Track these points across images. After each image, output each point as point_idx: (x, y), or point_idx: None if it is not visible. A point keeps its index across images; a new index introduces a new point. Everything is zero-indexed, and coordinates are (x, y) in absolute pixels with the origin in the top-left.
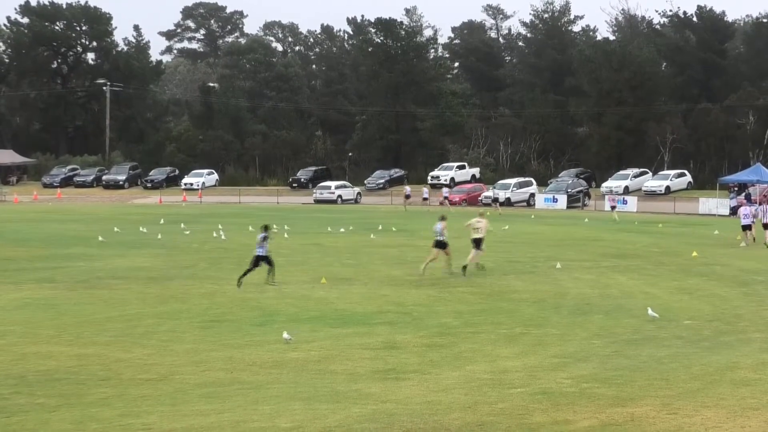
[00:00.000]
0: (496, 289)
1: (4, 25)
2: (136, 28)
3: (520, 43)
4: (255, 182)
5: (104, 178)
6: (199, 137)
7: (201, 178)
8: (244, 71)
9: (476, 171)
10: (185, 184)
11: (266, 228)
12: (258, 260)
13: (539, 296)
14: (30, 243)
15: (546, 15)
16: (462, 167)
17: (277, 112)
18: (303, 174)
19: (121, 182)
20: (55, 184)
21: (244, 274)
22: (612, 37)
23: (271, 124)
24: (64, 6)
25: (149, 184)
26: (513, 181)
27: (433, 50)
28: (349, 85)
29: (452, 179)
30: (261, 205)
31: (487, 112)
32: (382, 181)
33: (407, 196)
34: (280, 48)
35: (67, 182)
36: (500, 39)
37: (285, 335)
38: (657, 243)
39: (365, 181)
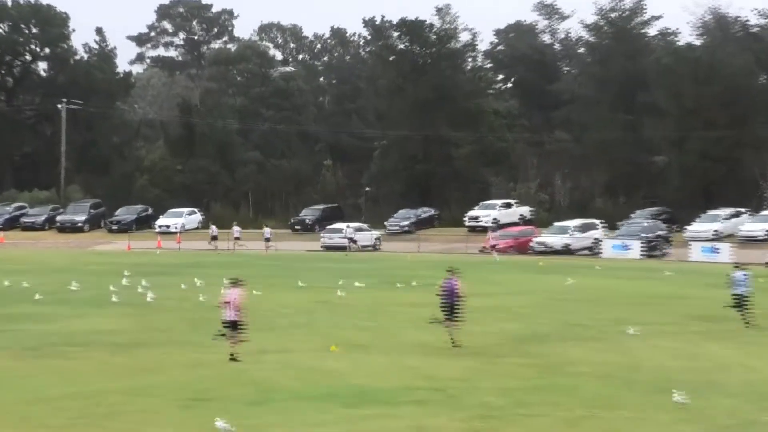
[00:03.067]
0: (552, 359)
1: None
2: (99, 31)
3: (581, 50)
4: (248, 223)
5: (58, 218)
6: (178, 167)
7: (180, 218)
8: (234, 85)
9: (526, 210)
10: (160, 227)
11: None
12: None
13: (606, 369)
14: None
15: (614, 15)
16: (508, 205)
17: (275, 135)
18: (308, 213)
19: (79, 224)
20: None
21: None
22: (697, 43)
23: (267, 150)
24: (9, 4)
25: (115, 227)
26: (573, 223)
27: (471, 59)
28: (366, 103)
29: (495, 221)
30: (255, 252)
31: (539, 136)
32: (407, 222)
33: None
34: (279, 56)
35: (12, 224)
36: (556, 45)
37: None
38: (758, 303)
39: (386, 223)
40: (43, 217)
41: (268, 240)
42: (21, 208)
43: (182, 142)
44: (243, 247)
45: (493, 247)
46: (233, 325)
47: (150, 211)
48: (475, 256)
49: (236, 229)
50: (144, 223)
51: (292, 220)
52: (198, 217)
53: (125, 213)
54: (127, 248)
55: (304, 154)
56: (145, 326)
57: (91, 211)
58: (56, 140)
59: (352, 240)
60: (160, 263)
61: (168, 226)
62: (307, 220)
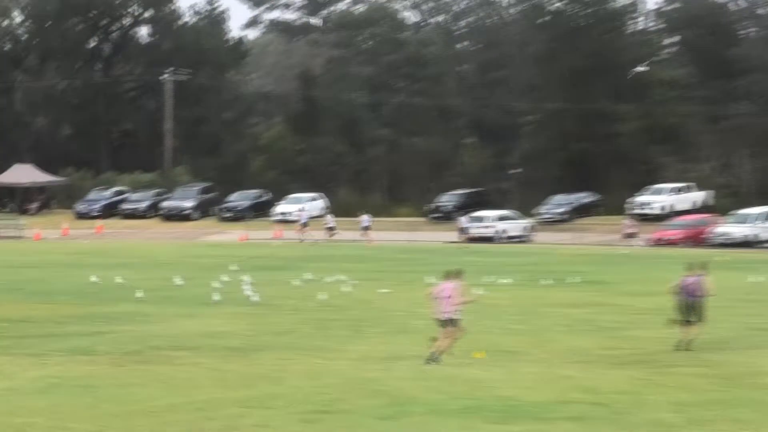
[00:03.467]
0: (734, 369)
1: None
2: None
3: (763, 11)
4: (380, 210)
5: (164, 205)
6: (299, 147)
7: (302, 204)
8: (362, 53)
9: (703, 195)
10: (279, 214)
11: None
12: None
13: None
14: (58, 298)
15: None
16: (682, 190)
17: (409, 110)
18: (448, 200)
19: (187, 211)
20: (93, 213)
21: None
22: None
23: (400, 127)
24: None
25: (228, 214)
26: (757, 210)
27: (635, 21)
28: (514, 72)
29: (667, 207)
30: (388, 244)
31: (716, 109)
32: (563, 210)
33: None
34: (413, 18)
35: (110, 211)
36: (732, 4)
37: None
38: None
39: (537, 211)
40: (145, 204)
41: (366, 229)
42: (121, 192)
43: (303, 117)
44: (336, 234)
45: (631, 235)
46: (447, 323)
47: (268, 196)
48: (638, 249)
49: (365, 218)
50: (260, 210)
51: (429, 207)
52: (321, 203)
53: (239, 199)
54: (242, 238)
55: (442, 131)
56: (261, 328)
57: (201, 196)
58: (160, 116)
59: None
60: (276, 256)
61: (288, 214)
62: (446, 207)
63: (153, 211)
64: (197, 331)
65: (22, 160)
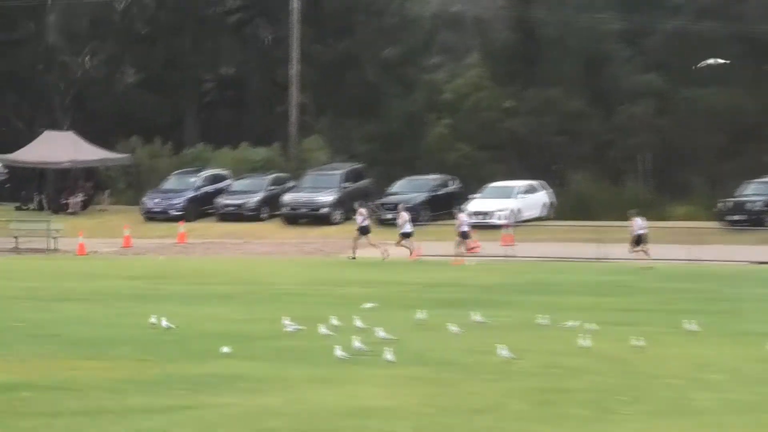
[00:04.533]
0: None
1: None
2: None
3: None
4: (644, 209)
5: (286, 199)
6: (507, 104)
7: (509, 199)
8: None
9: None
10: (474, 214)
11: None
12: None
13: None
14: (112, 351)
15: None
16: None
17: (691, 42)
18: (758, 192)
19: (324, 209)
20: (172, 211)
21: None
22: None
23: (676, 71)
24: None
25: (390, 215)
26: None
27: None
28: None
29: None
30: (658, 264)
31: None
32: None
33: None
34: None
35: (199, 208)
36: None
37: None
38: None
39: None
40: (257, 197)
41: (640, 240)
42: (217, 178)
43: (514, 56)
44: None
45: None
46: None
47: (455, 185)
48: None
49: (638, 222)
50: (443, 207)
51: (721, 205)
52: (543, 196)
53: (409, 189)
54: (415, 254)
55: (749, 78)
56: (445, 403)
57: (346, 185)
58: (281, 55)
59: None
60: (473, 283)
61: (488, 214)
62: (750, 205)
63: (268, 208)
64: (339, 406)
65: (56, 126)
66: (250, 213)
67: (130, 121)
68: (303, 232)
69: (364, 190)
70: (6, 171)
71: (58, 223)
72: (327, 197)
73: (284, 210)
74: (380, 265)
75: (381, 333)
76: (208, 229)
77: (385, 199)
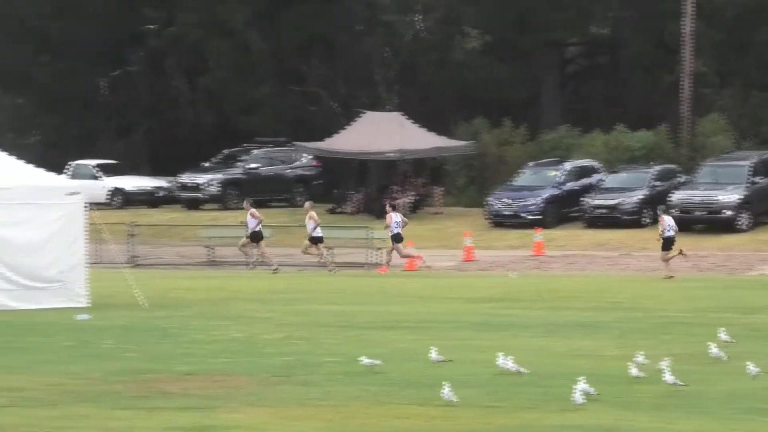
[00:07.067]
0: None
1: None
2: None
3: None
4: None
5: (675, 197)
6: None
7: None
8: None
9: None
10: None
11: None
12: None
13: None
14: (456, 391)
15: None
16: None
17: None
18: None
19: (727, 212)
20: (526, 214)
21: None
22: None
23: None
24: None
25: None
26: None
27: None
28: None
29: None
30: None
31: None
32: None
33: None
34: None
35: (561, 210)
36: None
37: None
38: None
39: None
40: (637, 196)
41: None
42: (585, 172)
43: None
44: None
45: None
46: None
47: None
48: None
49: None
50: None
51: None
52: None
53: None
54: None
55: None
56: None
57: (755, 180)
58: (669, 5)
59: None
60: None
61: None
62: None
63: (650, 210)
64: None
65: (378, 106)
66: (629, 217)
67: (472, 98)
68: (696, 242)
69: None
70: (316, 164)
71: (380, 230)
72: (731, 196)
73: (671, 212)
74: None
75: None
76: (572, 237)
77: None
